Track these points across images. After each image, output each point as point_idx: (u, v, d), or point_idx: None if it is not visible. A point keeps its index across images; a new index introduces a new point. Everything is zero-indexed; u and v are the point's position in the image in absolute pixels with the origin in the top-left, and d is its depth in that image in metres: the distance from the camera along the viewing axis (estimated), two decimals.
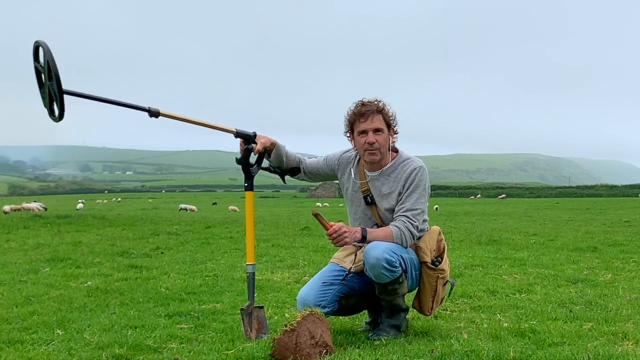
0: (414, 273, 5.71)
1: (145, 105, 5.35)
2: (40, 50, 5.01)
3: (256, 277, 8.76)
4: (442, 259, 5.80)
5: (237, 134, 5.77)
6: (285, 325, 5.02)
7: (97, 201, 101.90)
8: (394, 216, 5.71)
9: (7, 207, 53.10)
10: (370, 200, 5.85)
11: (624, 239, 15.80)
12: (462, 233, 18.19)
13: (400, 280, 5.58)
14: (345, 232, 5.46)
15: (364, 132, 5.65)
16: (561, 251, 13.00)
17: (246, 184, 5.97)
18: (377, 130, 5.61)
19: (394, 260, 5.43)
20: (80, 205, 69.50)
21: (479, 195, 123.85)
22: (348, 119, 5.75)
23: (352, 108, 5.69)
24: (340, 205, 72.35)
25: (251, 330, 5.67)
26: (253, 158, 5.91)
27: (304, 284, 8.49)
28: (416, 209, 5.63)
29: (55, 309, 7.17)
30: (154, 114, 5.36)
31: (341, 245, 5.58)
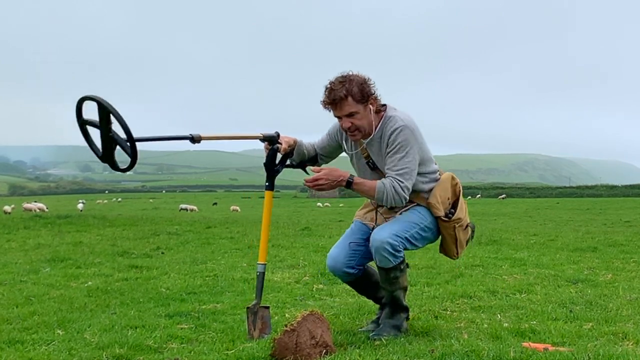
0: (430, 234, 5.85)
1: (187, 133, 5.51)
2: (91, 103, 4.98)
3: (255, 278, 8.79)
4: (455, 209, 5.86)
5: (263, 138, 5.84)
6: (286, 326, 5.06)
7: (98, 201, 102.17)
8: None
9: (7, 207, 53.17)
10: (372, 165, 5.85)
11: (624, 239, 15.71)
12: None
13: (402, 267, 5.69)
14: (322, 182, 5.57)
15: (339, 117, 5.65)
16: (561, 251, 12.95)
17: (267, 184, 6.07)
18: (349, 115, 5.56)
19: (397, 244, 5.54)
20: (80, 206, 69.12)
21: (478, 196, 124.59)
22: (322, 105, 5.68)
23: (323, 93, 5.59)
24: (341, 205, 72.44)
25: (254, 329, 5.71)
26: (277, 158, 5.98)
27: (304, 284, 8.52)
28: (402, 169, 5.56)
29: (55, 309, 7.19)
30: (196, 140, 5.50)
31: (319, 190, 5.72)
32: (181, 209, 64.40)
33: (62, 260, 11.72)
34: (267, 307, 5.88)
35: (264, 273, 5.99)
